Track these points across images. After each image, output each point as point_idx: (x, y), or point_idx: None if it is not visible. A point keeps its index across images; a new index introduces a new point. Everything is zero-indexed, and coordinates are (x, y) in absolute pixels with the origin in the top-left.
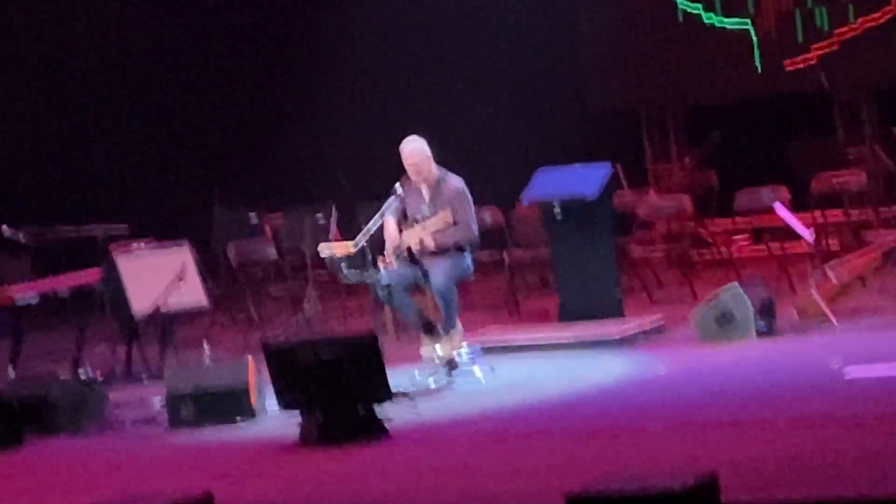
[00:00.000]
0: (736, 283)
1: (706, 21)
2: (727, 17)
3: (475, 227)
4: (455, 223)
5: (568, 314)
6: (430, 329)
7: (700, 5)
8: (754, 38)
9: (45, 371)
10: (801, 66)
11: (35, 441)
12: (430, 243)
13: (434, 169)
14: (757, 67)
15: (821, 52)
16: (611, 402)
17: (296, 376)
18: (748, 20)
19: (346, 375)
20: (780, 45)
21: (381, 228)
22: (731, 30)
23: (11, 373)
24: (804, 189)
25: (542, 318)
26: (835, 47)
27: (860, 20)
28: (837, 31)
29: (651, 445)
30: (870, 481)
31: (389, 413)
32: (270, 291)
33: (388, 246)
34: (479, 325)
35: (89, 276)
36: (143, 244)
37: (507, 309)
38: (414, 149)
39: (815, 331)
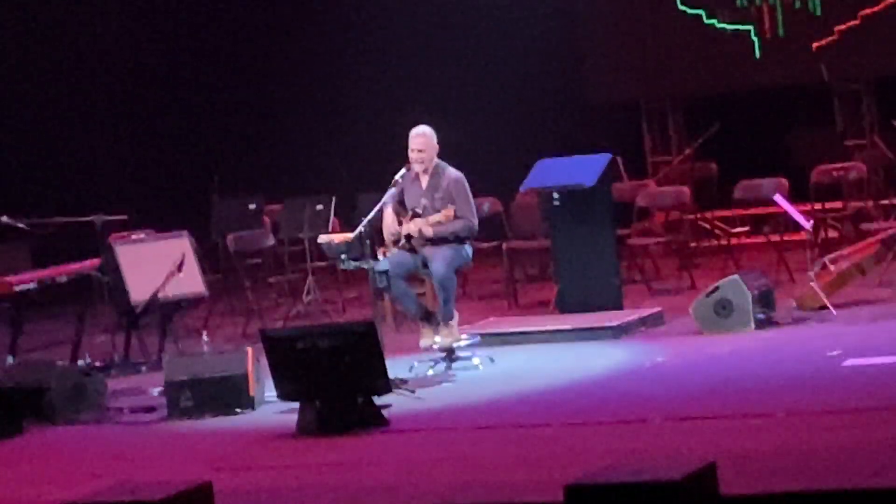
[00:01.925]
0: (735, 274)
1: (707, 23)
2: (730, 23)
3: (475, 218)
4: (455, 215)
5: (567, 304)
6: (427, 318)
7: (703, 11)
8: (755, 40)
9: (45, 359)
10: (824, 43)
11: (34, 429)
12: (428, 233)
13: (435, 160)
14: (758, 60)
15: (820, 44)
16: (610, 392)
17: (295, 366)
18: (751, 24)
19: (345, 365)
20: (782, 38)
21: (379, 217)
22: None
23: (11, 361)
24: (804, 180)
25: (541, 308)
26: (834, 38)
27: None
28: (838, 27)
29: (650, 436)
30: (869, 472)
31: (388, 403)
32: (269, 281)
33: (387, 234)
34: (479, 315)
35: (88, 265)
36: (142, 233)
37: (506, 299)
38: (423, 135)
39: (814, 321)
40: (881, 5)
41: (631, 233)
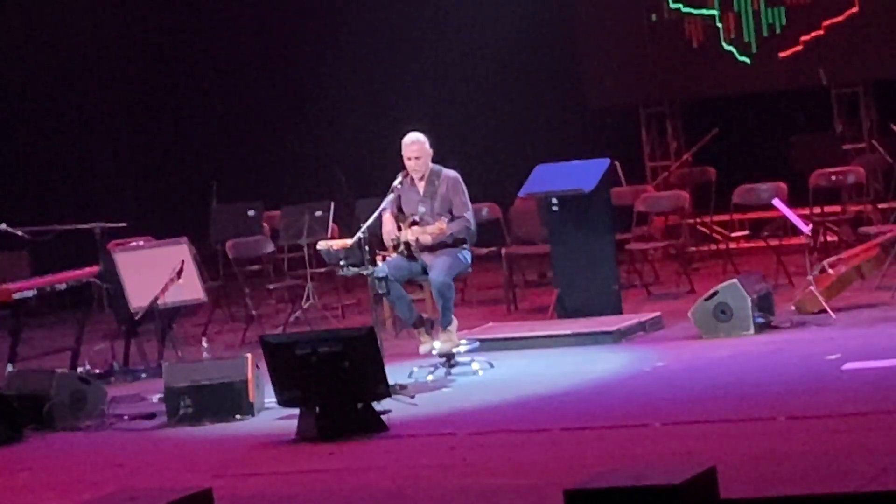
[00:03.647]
0: (734, 278)
1: (672, 7)
2: (695, 7)
3: (472, 218)
4: (452, 215)
5: (566, 309)
6: (420, 324)
7: None
8: (720, 27)
9: (44, 367)
10: (791, 53)
11: (34, 437)
12: (427, 240)
13: (430, 164)
14: (725, 58)
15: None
16: (609, 397)
17: (294, 372)
18: (715, 11)
19: (344, 371)
20: (774, 38)
21: (378, 223)
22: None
23: (10, 368)
24: (803, 184)
25: (541, 313)
26: (797, 47)
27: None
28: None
29: (650, 440)
30: (869, 475)
31: (388, 408)
32: (269, 287)
33: (387, 239)
34: (478, 320)
35: (88, 272)
36: (141, 240)
37: (505, 304)
38: (417, 140)
39: (814, 325)
40: (844, 15)
41: (630, 238)
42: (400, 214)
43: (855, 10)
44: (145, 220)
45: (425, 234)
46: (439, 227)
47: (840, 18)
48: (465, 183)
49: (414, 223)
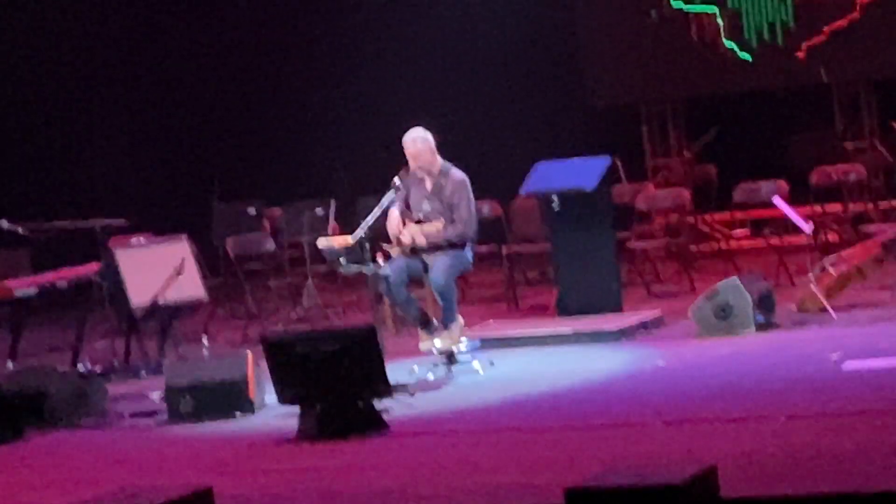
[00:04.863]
0: (735, 277)
1: (674, 6)
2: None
3: (474, 224)
4: (453, 220)
5: (567, 308)
6: (426, 323)
7: None
8: (721, 24)
9: (45, 364)
10: (792, 50)
11: (34, 434)
12: (422, 242)
13: (438, 161)
14: (726, 53)
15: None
16: (610, 395)
17: (295, 370)
18: (715, 6)
19: (345, 369)
20: (775, 36)
21: (380, 221)
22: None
23: (11, 366)
24: (803, 182)
25: (541, 311)
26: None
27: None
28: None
29: (650, 439)
30: (869, 475)
31: (388, 406)
32: (269, 285)
33: (392, 235)
34: (478, 318)
35: (88, 269)
36: (141, 238)
37: (506, 302)
38: (416, 138)
39: (814, 324)
40: (846, 19)
41: (631, 236)
42: (407, 211)
43: (856, 7)
44: (146, 218)
45: (420, 235)
46: (436, 227)
47: (841, 16)
48: (468, 179)
49: (419, 221)
